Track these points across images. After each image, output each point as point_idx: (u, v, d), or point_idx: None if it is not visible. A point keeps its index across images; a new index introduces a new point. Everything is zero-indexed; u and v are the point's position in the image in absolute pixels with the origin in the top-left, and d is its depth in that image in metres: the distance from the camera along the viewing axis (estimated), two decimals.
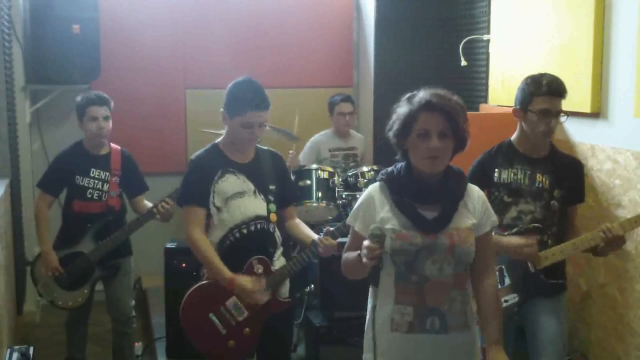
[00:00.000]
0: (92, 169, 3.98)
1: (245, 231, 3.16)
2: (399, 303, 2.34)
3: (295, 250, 4.15)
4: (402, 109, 2.35)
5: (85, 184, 3.97)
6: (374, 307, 2.44)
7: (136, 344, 4.49)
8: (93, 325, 4.49)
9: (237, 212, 3.15)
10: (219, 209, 3.16)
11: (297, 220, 3.39)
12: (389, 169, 2.45)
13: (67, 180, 4.00)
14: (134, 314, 4.23)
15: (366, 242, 2.26)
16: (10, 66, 4.75)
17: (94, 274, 4.00)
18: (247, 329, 3.18)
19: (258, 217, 3.18)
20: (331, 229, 3.25)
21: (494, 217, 2.48)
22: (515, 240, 3.03)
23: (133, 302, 4.25)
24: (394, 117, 2.37)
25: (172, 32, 5.85)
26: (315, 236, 3.23)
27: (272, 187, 3.23)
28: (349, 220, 2.49)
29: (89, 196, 3.97)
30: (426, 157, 2.29)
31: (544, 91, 3.01)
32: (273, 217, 3.22)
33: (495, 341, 2.40)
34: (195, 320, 3.19)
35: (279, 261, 3.27)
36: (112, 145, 4.10)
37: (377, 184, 2.46)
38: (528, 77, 3.11)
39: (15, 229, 4.66)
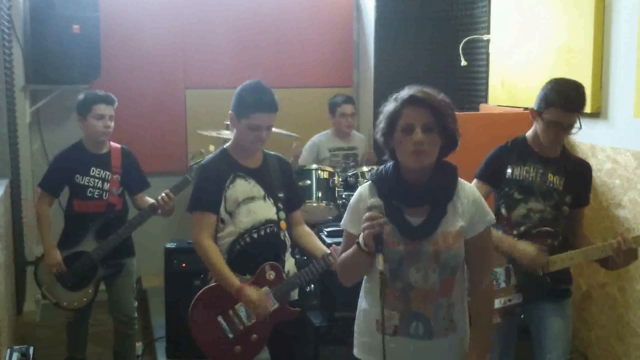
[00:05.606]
0: (93, 168, 3.97)
1: (255, 235, 3.14)
2: (385, 307, 2.28)
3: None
4: (388, 107, 2.31)
5: (85, 183, 3.95)
6: (362, 308, 2.43)
7: (136, 343, 4.49)
8: (94, 325, 4.48)
9: (248, 216, 3.13)
10: (230, 214, 3.14)
11: (307, 230, 3.37)
12: (379, 168, 2.40)
13: (67, 180, 3.99)
14: (136, 315, 4.22)
15: (367, 214, 2.19)
16: (10, 66, 4.75)
17: (98, 273, 3.97)
18: (255, 335, 3.13)
19: (268, 221, 3.16)
20: (338, 247, 3.17)
21: (489, 216, 2.36)
22: (523, 245, 2.98)
23: (136, 303, 4.24)
24: (381, 116, 2.33)
25: (172, 32, 5.85)
26: (325, 249, 3.19)
27: (280, 194, 3.22)
28: (343, 224, 2.44)
29: (89, 195, 3.96)
30: (411, 152, 2.22)
31: (558, 104, 2.95)
32: (283, 224, 3.21)
33: (478, 348, 2.36)
34: (203, 322, 3.14)
35: (288, 262, 3.24)
36: (112, 143, 4.09)
37: (367, 184, 2.42)
38: (552, 82, 3.03)
39: (15, 229, 4.65)
